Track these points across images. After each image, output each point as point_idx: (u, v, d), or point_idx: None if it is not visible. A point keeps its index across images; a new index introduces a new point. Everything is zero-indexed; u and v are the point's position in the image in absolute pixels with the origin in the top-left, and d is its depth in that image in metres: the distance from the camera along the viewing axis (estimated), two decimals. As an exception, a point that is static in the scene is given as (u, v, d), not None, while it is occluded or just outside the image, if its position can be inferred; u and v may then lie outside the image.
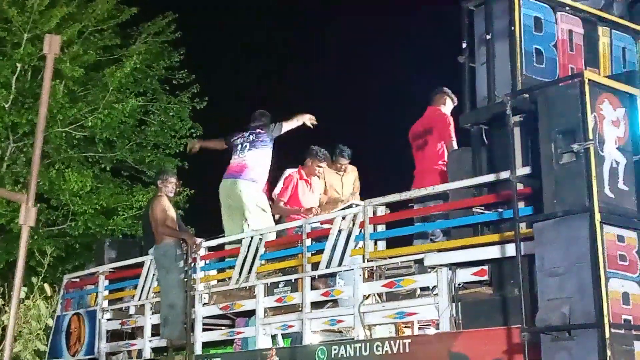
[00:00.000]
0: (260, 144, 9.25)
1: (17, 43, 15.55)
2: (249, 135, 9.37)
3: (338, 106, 20.99)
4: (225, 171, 9.33)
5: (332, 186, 9.63)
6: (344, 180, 9.68)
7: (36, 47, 15.11)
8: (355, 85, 21.36)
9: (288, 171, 9.44)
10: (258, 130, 9.34)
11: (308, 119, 9.38)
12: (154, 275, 9.08)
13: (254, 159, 9.20)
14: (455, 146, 7.75)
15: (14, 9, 15.24)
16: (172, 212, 9.00)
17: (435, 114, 8.10)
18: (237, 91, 20.56)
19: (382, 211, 7.12)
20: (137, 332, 9.53)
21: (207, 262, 8.81)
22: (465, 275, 6.28)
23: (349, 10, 21.31)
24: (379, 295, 7.08)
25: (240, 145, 9.34)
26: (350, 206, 7.96)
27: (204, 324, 8.55)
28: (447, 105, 8.17)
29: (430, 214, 6.97)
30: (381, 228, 7.13)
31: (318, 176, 9.38)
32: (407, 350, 6.35)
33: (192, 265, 8.60)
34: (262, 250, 8.04)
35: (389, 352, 6.45)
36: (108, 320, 9.74)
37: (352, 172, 9.78)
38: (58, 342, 10.20)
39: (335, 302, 7.49)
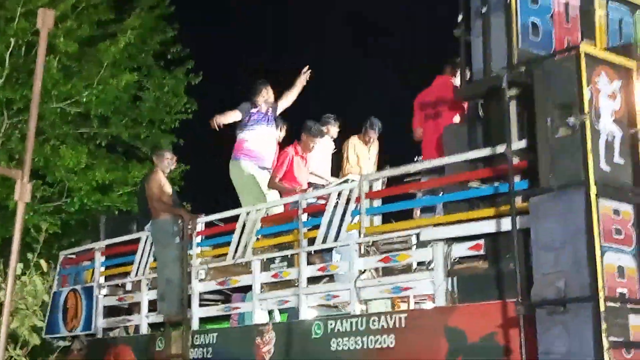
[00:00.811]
0: (241, 123, 9.45)
1: (11, 18, 15.42)
2: (268, 114, 9.55)
3: (335, 78, 20.92)
4: (249, 151, 9.44)
5: (360, 158, 9.75)
6: (371, 152, 9.83)
7: (30, 22, 14.98)
8: (353, 57, 21.29)
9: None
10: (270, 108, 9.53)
11: (304, 79, 9.64)
12: (150, 251, 9.09)
13: (239, 137, 9.45)
14: None
15: (7, -17, 15.13)
16: (168, 188, 8.99)
17: (448, 84, 8.01)
18: (233, 66, 20.47)
19: (378, 186, 7.11)
20: (133, 308, 9.55)
21: (203, 237, 8.80)
22: (461, 249, 6.28)
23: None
24: (375, 270, 7.09)
25: (261, 123, 9.49)
26: (346, 181, 7.97)
27: (200, 300, 8.57)
28: (457, 77, 8.10)
29: (432, 188, 6.96)
30: (377, 203, 7.12)
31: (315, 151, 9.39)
32: (403, 325, 6.37)
33: (188, 241, 8.60)
34: (258, 225, 8.04)
35: (385, 326, 6.46)
36: (105, 296, 9.75)
37: (375, 145, 9.93)
38: (55, 318, 10.23)
39: (331, 278, 7.50)
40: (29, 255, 10.67)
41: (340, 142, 9.95)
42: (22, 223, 4.62)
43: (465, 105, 7.68)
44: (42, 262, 10.57)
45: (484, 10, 6.26)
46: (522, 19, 6.09)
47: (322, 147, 9.59)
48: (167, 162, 9.22)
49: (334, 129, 9.86)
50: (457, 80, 8.12)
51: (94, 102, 15.95)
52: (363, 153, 9.78)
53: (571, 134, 5.19)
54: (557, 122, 5.26)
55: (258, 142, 9.42)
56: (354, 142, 9.83)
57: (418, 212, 8.06)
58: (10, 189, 14.04)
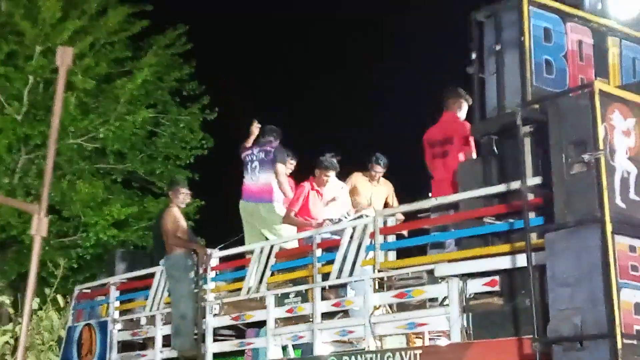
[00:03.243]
0: (269, 164, 9.35)
1: (30, 56, 15.65)
2: (258, 153, 9.44)
3: (350, 116, 21.05)
4: (243, 192, 9.42)
5: (360, 192, 9.56)
6: (375, 190, 9.61)
7: (48, 60, 15.21)
8: (367, 94, 21.41)
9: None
10: (267, 148, 9.39)
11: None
12: (164, 286, 9.10)
13: (267, 179, 9.33)
14: (475, 156, 7.71)
15: (26, 22, 15.36)
16: (183, 223, 9.02)
17: (454, 123, 8.02)
18: (248, 102, 20.61)
19: (392, 221, 7.11)
20: (148, 343, 9.54)
21: (218, 272, 8.81)
22: (476, 285, 6.26)
23: (362, 20, 21.37)
24: (390, 305, 7.07)
25: (250, 165, 9.45)
26: (360, 217, 7.96)
27: (214, 335, 8.56)
28: (463, 109, 8.08)
29: (444, 224, 6.95)
30: (392, 238, 7.12)
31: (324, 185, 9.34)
32: (418, 361, 6.34)
33: (203, 275, 8.61)
34: (272, 260, 8.04)
35: (400, 362, 6.43)
36: (119, 331, 9.74)
37: (385, 185, 9.72)
38: (69, 352, 10.22)
39: (345, 313, 7.48)
40: (46, 291, 10.72)
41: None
42: (39, 258, 4.65)
43: (472, 141, 7.72)
44: (59, 297, 10.60)
45: (497, 47, 6.32)
46: (535, 57, 6.14)
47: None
48: (183, 197, 9.26)
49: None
50: (461, 113, 8.11)
51: (111, 138, 16.13)
52: (366, 189, 9.61)
53: (586, 171, 5.20)
54: (572, 159, 5.27)
55: None
56: (356, 178, 9.66)
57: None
58: (27, 224, 14.15)
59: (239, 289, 8.31)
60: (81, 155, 16.41)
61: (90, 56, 16.30)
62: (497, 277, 6.11)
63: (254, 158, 9.45)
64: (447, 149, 7.94)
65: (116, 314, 9.81)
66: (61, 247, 15.79)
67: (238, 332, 8.93)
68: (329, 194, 9.33)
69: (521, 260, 5.74)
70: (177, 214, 9.02)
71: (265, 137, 9.56)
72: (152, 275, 9.38)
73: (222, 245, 8.90)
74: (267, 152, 9.42)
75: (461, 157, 7.79)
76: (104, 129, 15.97)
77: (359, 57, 22.20)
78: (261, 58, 22.66)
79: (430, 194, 7.84)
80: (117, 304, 9.89)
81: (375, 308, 6.92)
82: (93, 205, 15.86)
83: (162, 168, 17.42)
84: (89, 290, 10.62)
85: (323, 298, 7.44)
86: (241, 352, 8.70)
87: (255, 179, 9.38)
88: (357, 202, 9.52)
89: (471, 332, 6.21)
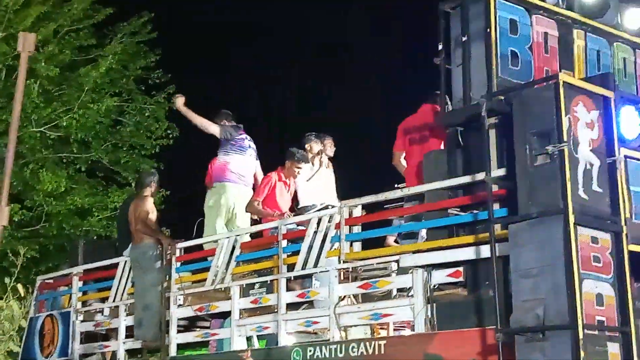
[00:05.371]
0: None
1: (-9, 42, 15.41)
2: (250, 142, 9.66)
3: (312, 106, 21.03)
4: (233, 175, 9.44)
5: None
6: (327, 172, 9.61)
7: (11, 47, 14.97)
8: (330, 84, 21.40)
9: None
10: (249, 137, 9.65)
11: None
12: (128, 276, 9.03)
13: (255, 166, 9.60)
14: None
15: (-13, 8, 15.12)
16: (155, 213, 9.01)
17: (434, 112, 8.06)
18: (213, 91, 20.50)
19: (358, 212, 7.12)
20: (111, 334, 9.47)
21: (182, 263, 8.76)
22: (440, 276, 6.29)
23: (327, 8, 21.32)
24: (355, 296, 7.08)
25: (248, 150, 9.62)
26: (326, 207, 7.96)
27: (178, 326, 8.51)
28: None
29: (411, 215, 6.97)
30: (357, 229, 7.12)
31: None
32: (383, 352, 6.35)
33: (167, 266, 8.56)
34: (237, 251, 8.02)
35: (365, 353, 6.44)
36: (82, 321, 9.66)
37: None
38: (31, 343, 10.10)
39: (310, 304, 7.47)
40: (6, 280, 10.58)
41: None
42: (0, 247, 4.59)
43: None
44: (20, 287, 10.46)
45: (464, 39, 6.34)
46: (501, 49, 6.17)
47: (322, 174, 9.50)
48: (155, 187, 9.27)
49: (315, 146, 9.56)
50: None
51: (74, 127, 15.92)
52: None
53: (550, 162, 5.24)
54: (536, 150, 5.31)
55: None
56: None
57: (391, 239, 8.08)
58: (-12, 213, 13.93)
59: (204, 280, 8.28)
60: (44, 143, 16.18)
61: (54, 43, 16.07)
62: (461, 268, 6.15)
63: (251, 146, 9.66)
64: (424, 137, 7.96)
65: (79, 305, 9.71)
66: (23, 237, 15.57)
67: (203, 323, 8.90)
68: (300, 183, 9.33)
69: (485, 251, 5.77)
70: (151, 205, 9.02)
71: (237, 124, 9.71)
72: (115, 265, 9.30)
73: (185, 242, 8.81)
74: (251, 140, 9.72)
75: (441, 146, 7.81)
76: (67, 117, 15.76)
77: (327, 45, 22.17)
78: (228, 46, 22.51)
79: (404, 184, 7.85)
80: (80, 294, 9.79)
81: (340, 299, 6.93)
82: (56, 195, 15.67)
83: (127, 157, 17.23)
84: (51, 281, 10.50)
85: (288, 289, 7.44)
86: (206, 343, 8.68)
87: (251, 165, 9.58)
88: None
89: (435, 322, 6.24)
